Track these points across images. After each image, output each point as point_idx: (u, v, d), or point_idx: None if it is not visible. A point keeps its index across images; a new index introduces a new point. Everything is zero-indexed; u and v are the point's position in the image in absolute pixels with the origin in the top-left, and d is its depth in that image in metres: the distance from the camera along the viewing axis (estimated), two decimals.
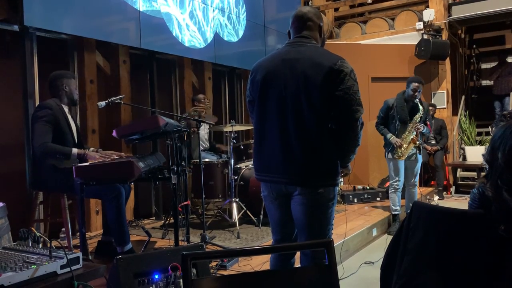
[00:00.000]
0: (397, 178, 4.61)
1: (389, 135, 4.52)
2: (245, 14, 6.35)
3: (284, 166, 2.03)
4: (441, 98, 7.19)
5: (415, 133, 4.41)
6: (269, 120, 2.08)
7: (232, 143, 4.41)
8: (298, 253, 2.16)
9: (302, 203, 2.04)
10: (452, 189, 7.23)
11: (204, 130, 5.16)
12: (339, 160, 2.07)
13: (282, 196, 2.11)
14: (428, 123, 4.53)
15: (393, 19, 7.70)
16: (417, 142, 4.43)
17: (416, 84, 4.42)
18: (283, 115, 2.03)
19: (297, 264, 2.29)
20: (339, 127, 2.01)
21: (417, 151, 4.52)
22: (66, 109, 3.29)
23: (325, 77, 1.95)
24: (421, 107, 4.40)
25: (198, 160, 4.10)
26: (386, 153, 4.63)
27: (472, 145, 7.47)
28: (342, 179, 5.33)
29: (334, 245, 1.37)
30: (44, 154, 3.06)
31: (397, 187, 4.63)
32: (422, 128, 4.41)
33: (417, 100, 4.41)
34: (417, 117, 4.41)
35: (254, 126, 2.19)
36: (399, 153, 4.47)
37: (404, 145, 4.44)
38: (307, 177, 2.01)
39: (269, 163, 2.09)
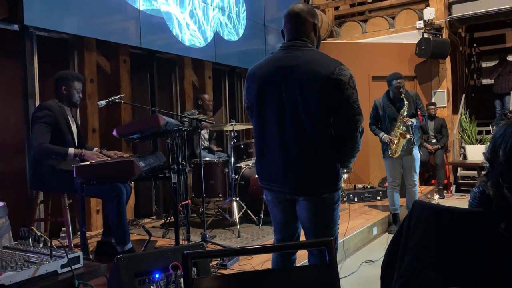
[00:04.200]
0: (394, 178, 4.61)
1: (381, 134, 4.52)
2: (245, 13, 6.35)
3: (285, 177, 2.02)
4: (442, 96, 7.18)
5: (404, 128, 4.39)
6: (268, 130, 2.05)
7: (232, 142, 4.41)
8: (304, 252, 2.16)
9: (308, 208, 2.03)
10: (453, 188, 7.22)
11: (204, 129, 5.14)
12: (339, 164, 2.05)
13: (286, 201, 2.10)
14: (419, 113, 4.47)
15: (393, 18, 7.68)
16: (407, 136, 4.40)
17: (398, 81, 4.40)
18: (281, 124, 1.99)
19: (303, 262, 2.29)
20: (338, 135, 1.97)
21: (412, 146, 4.47)
22: (67, 109, 3.29)
23: (323, 87, 1.90)
24: (405, 102, 4.37)
25: (198, 159, 4.10)
26: (382, 153, 4.63)
27: (473, 144, 7.47)
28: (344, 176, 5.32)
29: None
30: (40, 154, 3.06)
31: (395, 186, 4.62)
32: (411, 121, 4.38)
33: (403, 95, 4.39)
34: (403, 111, 4.39)
35: (254, 134, 2.16)
36: (392, 151, 4.46)
37: (395, 141, 4.43)
38: (310, 187, 2.00)
39: (271, 173, 2.07)
